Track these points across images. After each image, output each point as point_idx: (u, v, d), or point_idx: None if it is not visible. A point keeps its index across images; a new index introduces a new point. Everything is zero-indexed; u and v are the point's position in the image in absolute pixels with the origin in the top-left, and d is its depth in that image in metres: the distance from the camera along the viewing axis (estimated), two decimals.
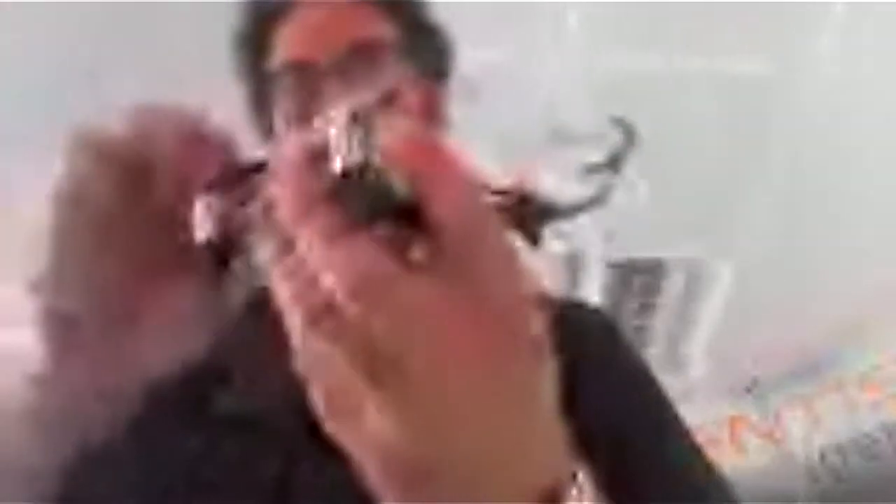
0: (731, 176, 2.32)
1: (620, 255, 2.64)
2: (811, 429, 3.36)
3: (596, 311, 0.71)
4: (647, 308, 2.94)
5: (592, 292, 2.80)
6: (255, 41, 0.64)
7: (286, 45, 0.62)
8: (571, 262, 2.67)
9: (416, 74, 0.63)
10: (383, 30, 0.62)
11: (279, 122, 0.61)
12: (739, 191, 2.37)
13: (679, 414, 0.59)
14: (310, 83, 0.59)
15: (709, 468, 0.55)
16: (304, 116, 0.59)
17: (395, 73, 0.61)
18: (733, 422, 3.48)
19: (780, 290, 2.72)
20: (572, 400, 0.51)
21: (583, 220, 2.46)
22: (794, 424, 3.40)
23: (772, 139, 2.20)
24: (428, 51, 0.66)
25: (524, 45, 1.89)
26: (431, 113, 0.66)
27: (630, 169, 2.27)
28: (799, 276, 2.65)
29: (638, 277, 2.77)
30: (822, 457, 3.32)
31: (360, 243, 0.24)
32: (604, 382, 0.55)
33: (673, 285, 2.81)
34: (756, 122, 2.14)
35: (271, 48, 0.63)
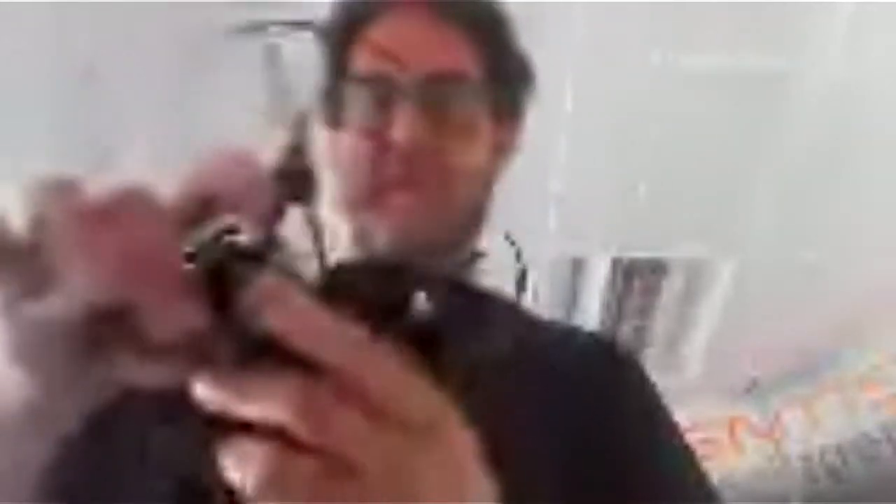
0: (731, 176, 2.32)
1: (620, 255, 2.64)
2: (810, 429, 3.36)
3: (606, 340, 0.70)
4: (647, 308, 2.94)
5: (592, 293, 2.80)
6: (340, 39, 0.63)
7: (369, 53, 0.61)
8: (571, 263, 2.67)
9: (492, 110, 0.63)
10: (467, 63, 0.61)
11: (346, 125, 0.61)
12: (739, 191, 2.37)
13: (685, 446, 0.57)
14: (384, 97, 0.58)
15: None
16: (371, 127, 0.59)
17: (471, 109, 0.61)
18: (732, 422, 3.48)
19: (780, 290, 2.72)
20: (582, 432, 0.51)
21: (583, 220, 2.46)
22: (794, 425, 3.41)
23: (772, 139, 2.20)
24: (508, 89, 0.65)
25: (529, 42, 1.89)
26: (500, 147, 0.66)
27: (630, 169, 2.28)
28: (799, 277, 2.65)
29: (638, 277, 2.77)
30: (822, 457, 3.32)
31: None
32: (614, 415, 0.54)
33: (673, 285, 2.81)
34: (756, 122, 2.14)
35: (356, 49, 0.62)
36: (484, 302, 0.63)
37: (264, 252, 0.26)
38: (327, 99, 0.65)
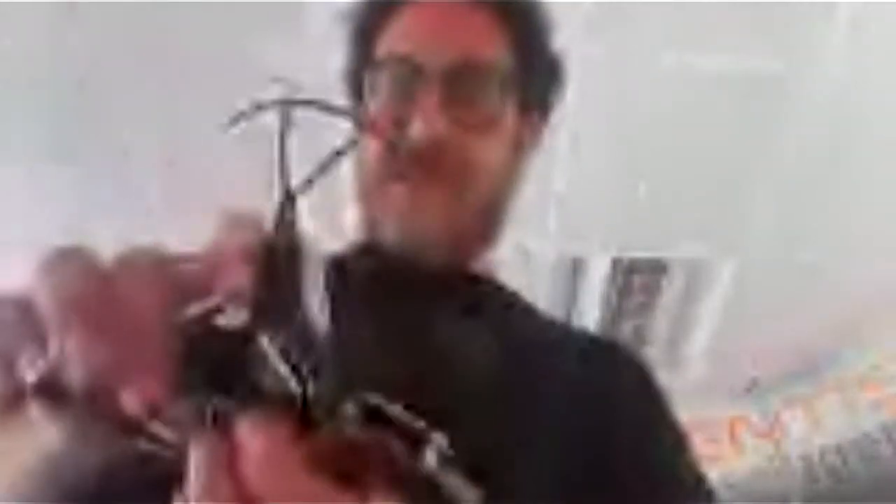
0: (731, 176, 2.32)
1: (620, 255, 2.64)
2: (810, 429, 3.36)
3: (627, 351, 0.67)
4: (647, 308, 2.94)
5: (593, 293, 2.80)
6: (366, 23, 0.61)
7: (396, 37, 0.59)
8: (572, 263, 2.67)
9: (519, 103, 0.60)
10: (497, 51, 0.58)
11: (370, 111, 0.58)
12: (739, 191, 2.37)
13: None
14: (409, 82, 0.56)
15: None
16: (394, 114, 0.56)
17: (497, 99, 0.58)
18: (733, 422, 3.48)
19: (780, 290, 2.72)
20: (605, 439, 0.50)
21: (583, 220, 2.46)
22: (794, 425, 3.40)
23: (772, 139, 2.20)
24: (537, 83, 0.63)
25: None
26: (523, 143, 0.63)
27: (631, 169, 2.28)
28: (799, 277, 2.65)
29: (638, 277, 2.77)
30: (822, 457, 3.32)
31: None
32: (636, 425, 0.54)
33: (673, 285, 2.81)
34: (756, 123, 2.14)
35: (381, 34, 0.60)
36: (487, 301, 0.61)
37: (252, 331, 0.26)
38: (350, 86, 0.63)
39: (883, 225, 2.41)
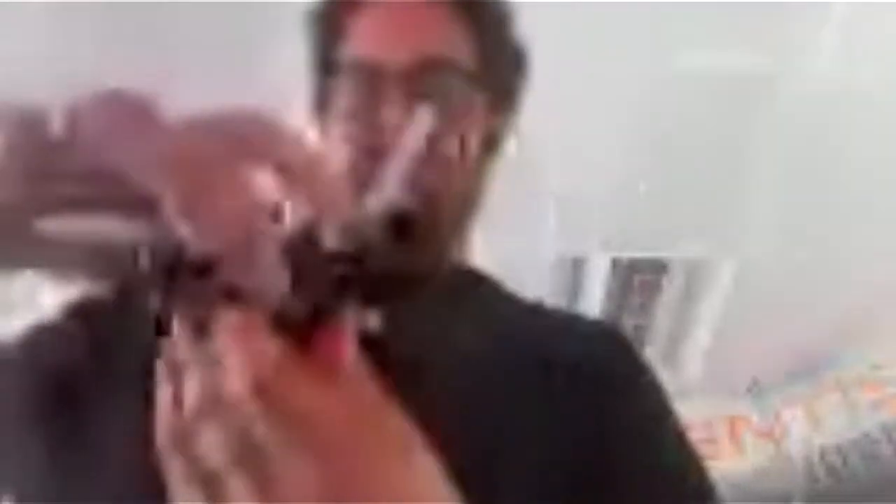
0: (731, 176, 2.32)
1: (620, 254, 2.64)
2: (811, 429, 3.36)
3: (610, 328, 0.65)
4: (647, 307, 2.94)
5: (593, 292, 2.80)
6: (327, 26, 0.61)
7: (358, 39, 0.58)
8: (572, 263, 2.67)
9: (484, 100, 0.60)
10: (459, 48, 0.58)
11: (336, 115, 0.58)
12: (740, 191, 2.37)
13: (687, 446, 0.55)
14: (373, 84, 0.56)
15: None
16: (361, 116, 0.56)
17: (462, 97, 0.58)
18: (732, 421, 3.48)
19: (780, 290, 2.72)
20: (594, 421, 0.50)
21: (583, 220, 2.46)
22: (794, 424, 3.41)
23: (772, 139, 2.20)
24: (501, 75, 0.62)
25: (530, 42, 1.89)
26: (493, 139, 0.63)
27: (630, 169, 2.28)
28: (799, 277, 2.65)
29: (638, 277, 2.77)
30: (822, 457, 3.32)
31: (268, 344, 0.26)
32: (625, 406, 0.53)
33: (673, 285, 2.81)
34: (756, 123, 2.14)
35: (343, 37, 0.59)
36: (474, 291, 0.61)
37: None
38: (316, 96, 0.63)
39: (883, 225, 2.41)
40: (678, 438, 0.55)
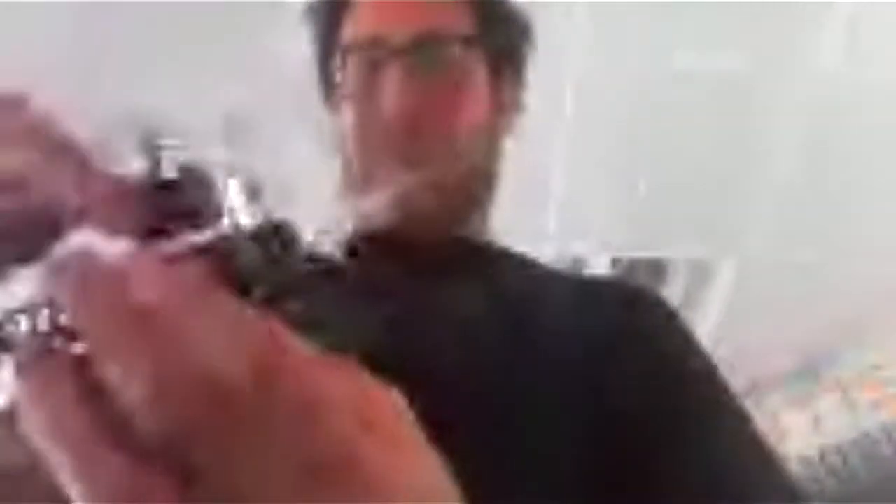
0: (730, 176, 2.32)
1: (620, 254, 2.64)
2: (810, 429, 3.36)
3: (636, 288, 0.61)
4: None
5: None
6: (329, 15, 0.62)
7: (359, 19, 0.59)
8: (572, 263, 2.67)
9: (487, 60, 0.60)
10: (460, 18, 0.59)
11: (344, 97, 0.59)
12: (739, 191, 2.37)
13: (735, 402, 0.51)
14: (376, 61, 0.57)
15: (767, 466, 0.46)
16: (365, 93, 0.57)
17: (466, 67, 0.59)
18: None
19: (780, 289, 2.72)
20: (602, 377, 0.49)
21: (583, 220, 2.46)
22: (794, 425, 3.40)
23: (773, 139, 2.20)
24: (505, 43, 0.63)
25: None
26: (502, 106, 0.63)
27: (630, 169, 2.28)
28: (799, 276, 2.65)
29: (638, 277, 2.77)
30: (822, 457, 3.31)
31: None
32: (642, 360, 0.51)
33: (673, 285, 2.81)
34: (756, 122, 2.14)
35: (346, 20, 0.60)
36: (485, 257, 0.61)
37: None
38: (322, 80, 0.63)
39: (883, 225, 2.41)
40: (737, 409, 0.53)
